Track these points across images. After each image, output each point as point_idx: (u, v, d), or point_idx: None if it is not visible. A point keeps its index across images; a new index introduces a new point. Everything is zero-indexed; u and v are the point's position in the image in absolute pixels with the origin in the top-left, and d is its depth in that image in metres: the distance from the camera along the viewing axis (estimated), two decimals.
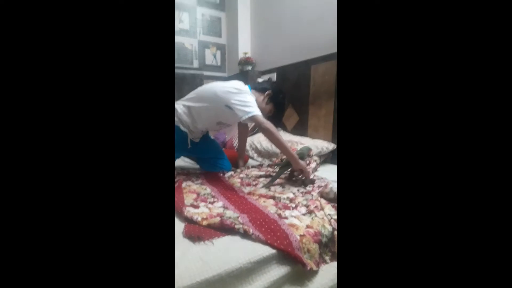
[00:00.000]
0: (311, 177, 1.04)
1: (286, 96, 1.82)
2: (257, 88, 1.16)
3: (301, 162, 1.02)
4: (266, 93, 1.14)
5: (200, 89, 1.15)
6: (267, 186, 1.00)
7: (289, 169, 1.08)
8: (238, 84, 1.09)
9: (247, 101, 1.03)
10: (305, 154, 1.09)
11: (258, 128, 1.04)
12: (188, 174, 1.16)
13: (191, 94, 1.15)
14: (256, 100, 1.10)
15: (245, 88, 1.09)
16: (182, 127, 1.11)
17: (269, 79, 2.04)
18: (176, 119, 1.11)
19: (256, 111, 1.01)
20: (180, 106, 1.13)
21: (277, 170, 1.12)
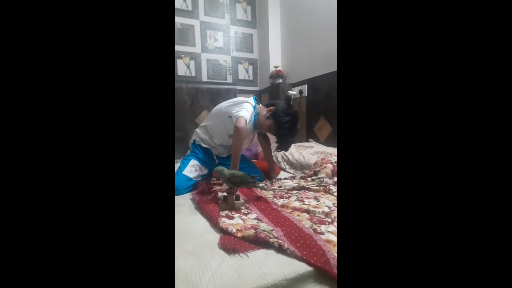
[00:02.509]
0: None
1: (319, 108, 1.81)
2: (266, 104, 1.23)
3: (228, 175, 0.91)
4: (268, 108, 1.18)
5: (212, 110, 1.30)
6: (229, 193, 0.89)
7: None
8: (239, 98, 1.21)
9: (242, 107, 1.10)
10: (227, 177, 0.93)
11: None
12: (223, 184, 1.18)
13: (207, 117, 1.32)
14: (260, 114, 1.19)
15: (247, 99, 1.17)
16: (203, 144, 1.26)
17: (300, 91, 2.04)
18: (197, 139, 1.28)
19: (243, 114, 1.06)
20: (198, 128, 1.31)
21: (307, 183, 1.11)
